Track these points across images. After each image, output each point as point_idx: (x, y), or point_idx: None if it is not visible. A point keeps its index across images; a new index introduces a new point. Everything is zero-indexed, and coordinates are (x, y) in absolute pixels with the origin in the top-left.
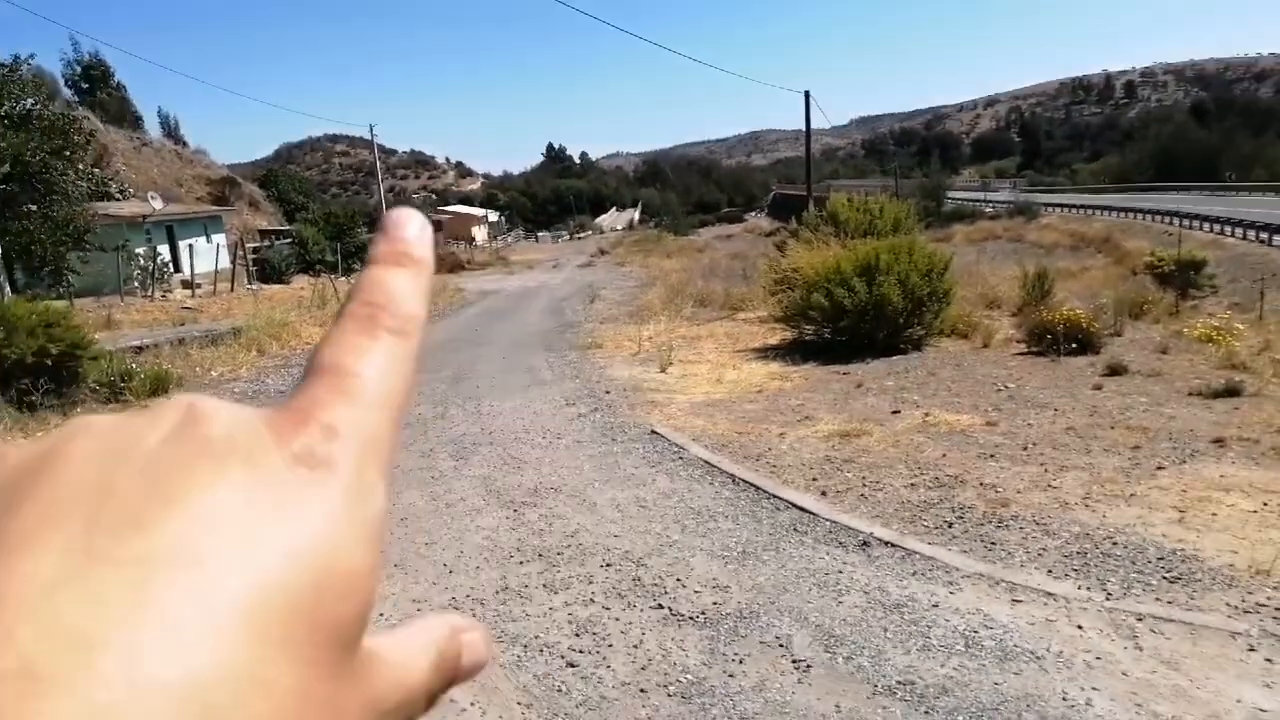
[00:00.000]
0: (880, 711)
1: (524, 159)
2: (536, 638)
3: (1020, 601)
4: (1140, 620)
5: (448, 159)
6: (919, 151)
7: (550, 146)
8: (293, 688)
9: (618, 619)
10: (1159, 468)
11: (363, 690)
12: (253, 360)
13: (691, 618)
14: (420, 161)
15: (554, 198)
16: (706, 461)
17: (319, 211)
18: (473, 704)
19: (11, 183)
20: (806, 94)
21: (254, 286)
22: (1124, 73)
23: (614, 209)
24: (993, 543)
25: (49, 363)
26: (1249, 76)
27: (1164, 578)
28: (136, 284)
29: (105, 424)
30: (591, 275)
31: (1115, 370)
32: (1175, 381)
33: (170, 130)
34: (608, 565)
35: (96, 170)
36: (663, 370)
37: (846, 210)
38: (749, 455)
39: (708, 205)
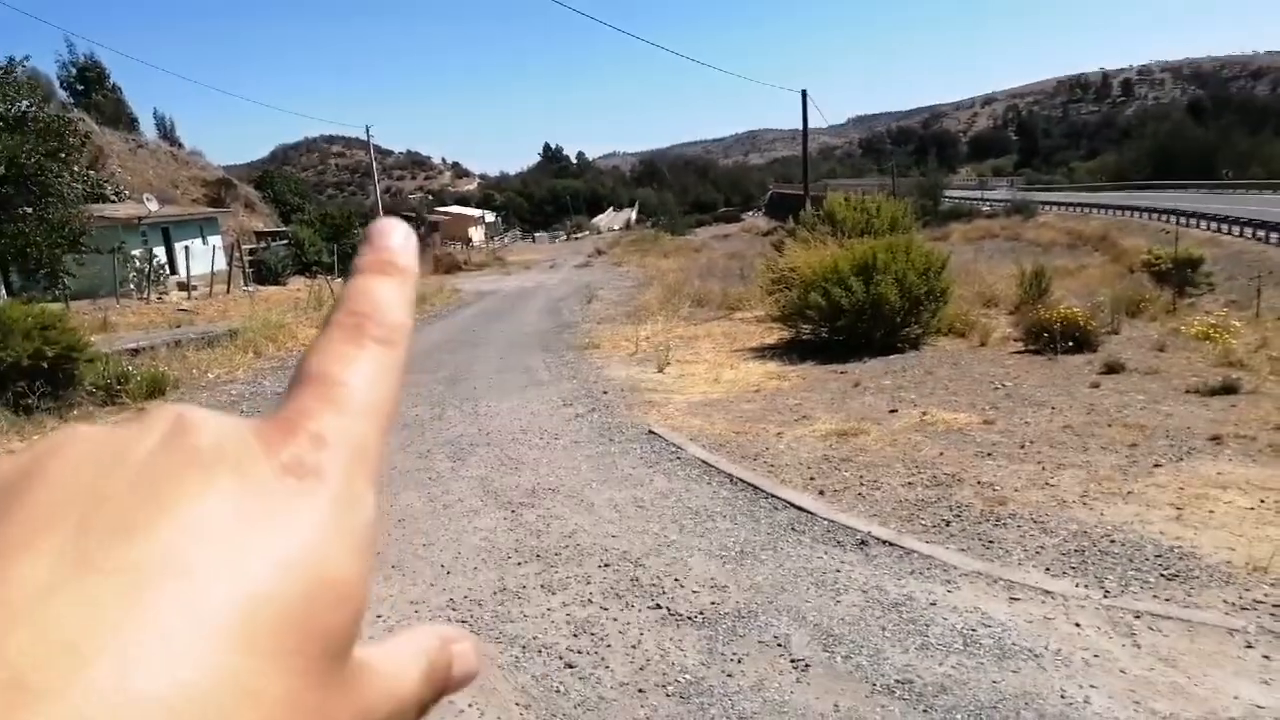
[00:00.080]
0: (879, 710)
1: (520, 159)
2: (534, 638)
3: (1018, 599)
4: (1138, 618)
5: (444, 159)
6: (916, 150)
7: (547, 146)
8: (283, 698)
9: (616, 619)
10: (1156, 465)
11: (353, 701)
12: (249, 362)
13: (690, 618)
14: (417, 162)
15: (551, 198)
16: (704, 461)
17: (315, 213)
18: (471, 705)
19: (6, 185)
20: (803, 93)
21: (250, 288)
22: (1121, 71)
23: (611, 209)
24: (990, 541)
25: (45, 365)
26: (1246, 74)
27: (1161, 575)
28: (132, 286)
29: (94, 433)
30: (588, 275)
31: (1112, 368)
32: (1172, 379)
33: (166, 132)
34: (606, 565)
35: (92, 172)
36: (660, 370)
37: (843, 209)
38: (747, 455)
39: (705, 205)
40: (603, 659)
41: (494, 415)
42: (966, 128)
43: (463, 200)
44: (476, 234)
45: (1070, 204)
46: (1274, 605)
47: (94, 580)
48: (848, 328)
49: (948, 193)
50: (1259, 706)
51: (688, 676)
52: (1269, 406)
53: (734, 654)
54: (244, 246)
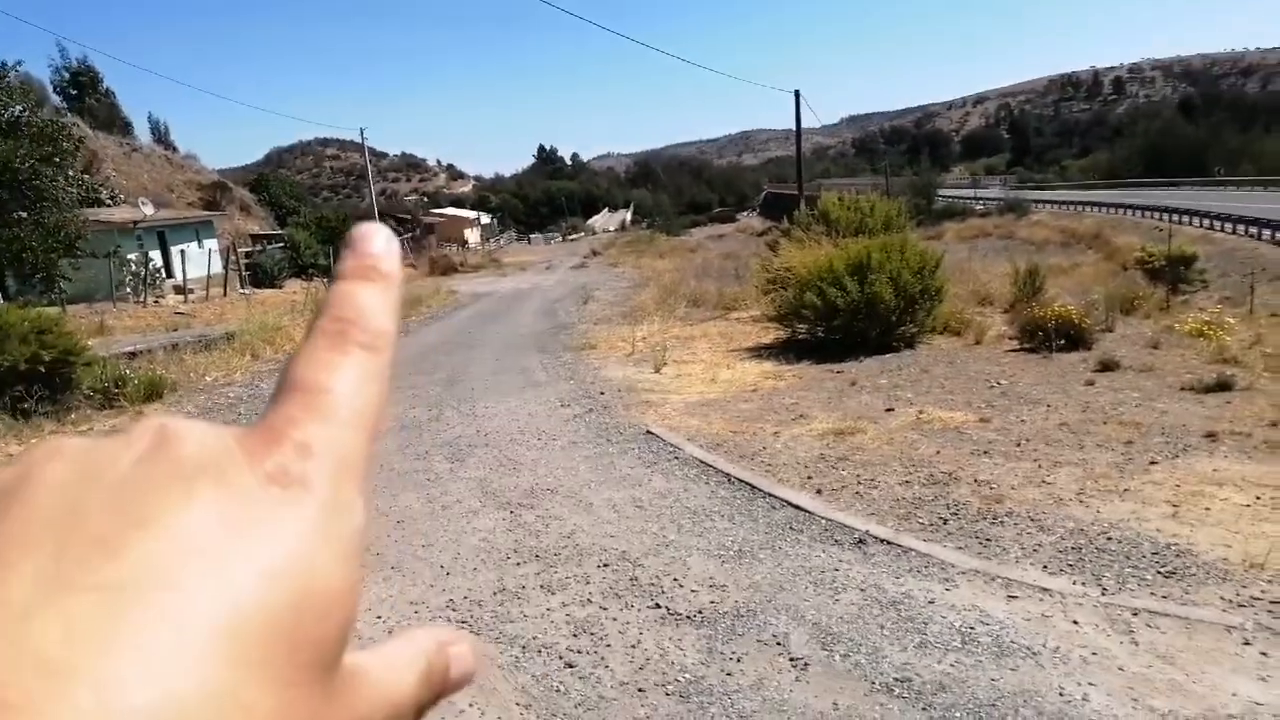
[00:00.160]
0: (878, 708)
1: (515, 161)
2: (534, 638)
3: (1016, 597)
4: (1135, 615)
5: (439, 161)
6: (909, 149)
7: (541, 148)
8: (273, 709)
9: (615, 619)
10: (1152, 463)
11: (345, 708)
12: (246, 365)
13: (689, 617)
14: (411, 164)
15: (546, 199)
16: (702, 461)
17: (311, 215)
18: (472, 705)
19: (1, 190)
20: (796, 93)
21: (246, 291)
22: (1112, 69)
23: (606, 210)
24: (988, 539)
25: (42, 369)
26: (1236, 72)
27: (1159, 572)
28: (129, 290)
29: (77, 447)
30: (584, 276)
31: (1107, 366)
32: (1167, 376)
33: (160, 135)
34: (605, 565)
35: (86, 176)
36: (657, 370)
37: (838, 209)
38: (744, 454)
39: (699, 205)
40: (602, 658)
41: (492, 416)
42: (959, 127)
43: (458, 202)
44: (472, 236)
45: (1063, 202)
46: (1271, 602)
47: (77, 597)
48: (843, 327)
49: (941, 192)
50: (1257, 703)
51: (687, 675)
52: (1263, 403)
53: (733, 653)
54: (240, 249)
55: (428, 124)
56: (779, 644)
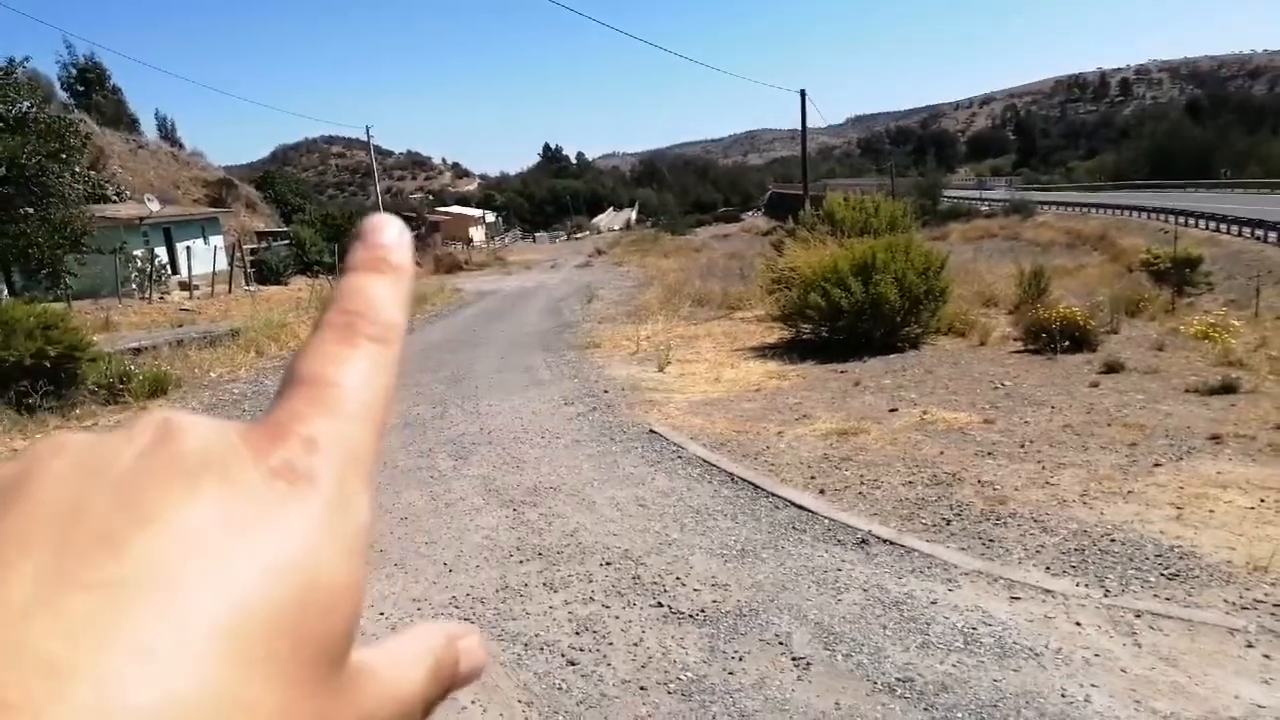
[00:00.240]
0: (880, 708)
1: (520, 159)
2: (536, 636)
3: (1019, 599)
4: (1138, 617)
5: (444, 160)
6: (915, 150)
7: (547, 147)
8: (277, 707)
9: (618, 617)
10: (1156, 465)
11: (352, 705)
12: (251, 361)
13: (691, 616)
14: (417, 162)
15: (551, 198)
16: (705, 460)
17: (316, 213)
18: (473, 702)
19: (8, 186)
20: (802, 93)
21: (252, 288)
22: (1119, 70)
23: (611, 209)
24: (991, 540)
25: (47, 365)
26: (1243, 74)
27: (1162, 574)
28: (134, 286)
29: (79, 443)
30: (589, 275)
31: (1112, 368)
32: (1172, 379)
33: (166, 132)
34: (607, 564)
35: (93, 173)
36: (661, 369)
37: (843, 209)
38: (747, 454)
39: (704, 205)
40: (605, 656)
41: (495, 414)
42: (965, 127)
43: (463, 200)
44: (477, 234)
45: (1069, 204)
46: (1274, 605)
47: (77, 595)
48: (848, 327)
49: (946, 192)
50: (1260, 706)
51: (689, 674)
52: (1268, 406)
53: (735, 652)
54: (245, 246)
55: (433, 122)
56: (781, 643)
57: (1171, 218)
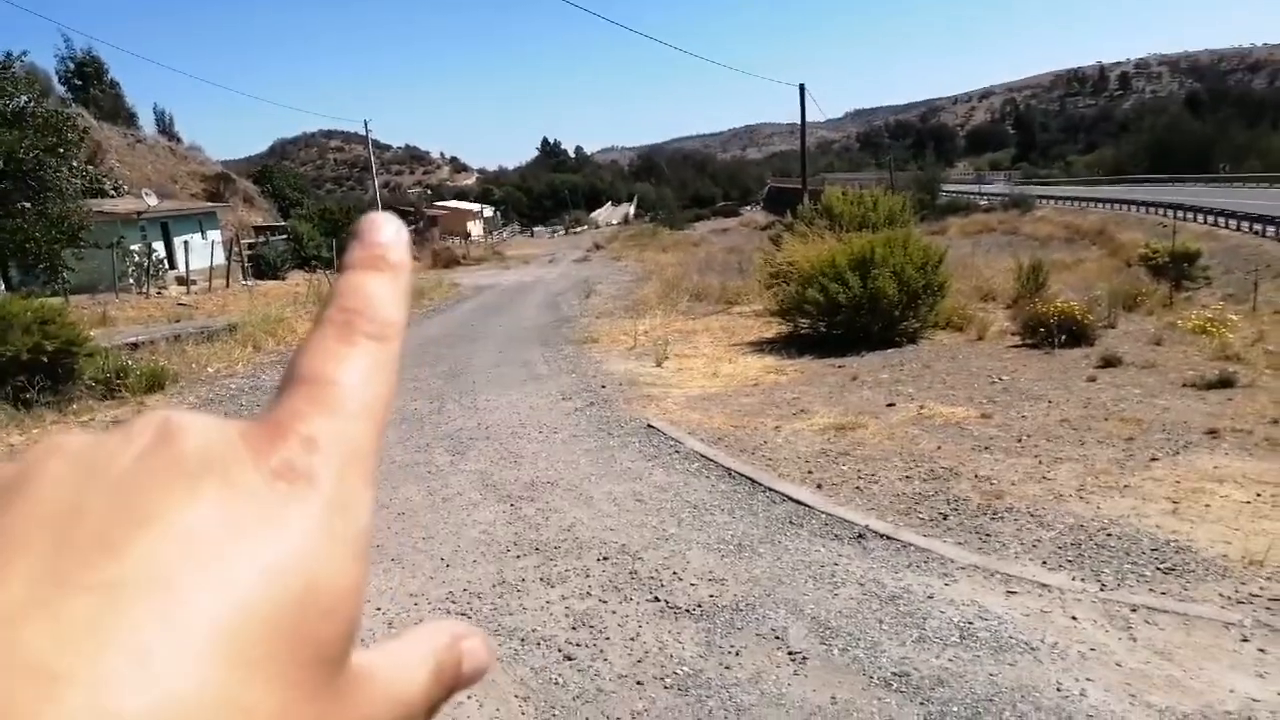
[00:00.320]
0: (876, 703)
1: (519, 154)
2: (533, 631)
3: (1015, 593)
4: (1134, 611)
5: (442, 154)
6: (914, 144)
7: (545, 141)
8: (276, 710)
9: (614, 612)
10: (1153, 459)
11: (352, 708)
12: (249, 356)
13: (688, 610)
14: (415, 157)
15: (549, 192)
16: (702, 455)
17: (314, 207)
18: (470, 697)
19: (5, 180)
20: (801, 87)
21: (249, 283)
22: (1118, 64)
23: (609, 203)
24: (987, 534)
25: (44, 360)
26: (1243, 67)
27: (1158, 569)
28: (131, 281)
29: (78, 443)
30: (587, 270)
31: (1109, 362)
32: (1169, 373)
33: (164, 127)
34: (604, 559)
35: (90, 167)
36: (658, 364)
37: (841, 203)
38: (745, 449)
39: (703, 199)
40: (601, 651)
41: (493, 409)
42: (964, 122)
43: (461, 195)
44: (475, 228)
45: (1068, 198)
46: (1270, 599)
47: (72, 598)
48: (845, 322)
49: (945, 187)
50: (1254, 699)
51: (686, 669)
52: (1265, 400)
53: (732, 646)
54: (243, 241)
55: (432, 117)
56: (778, 638)
57: (1170, 212)
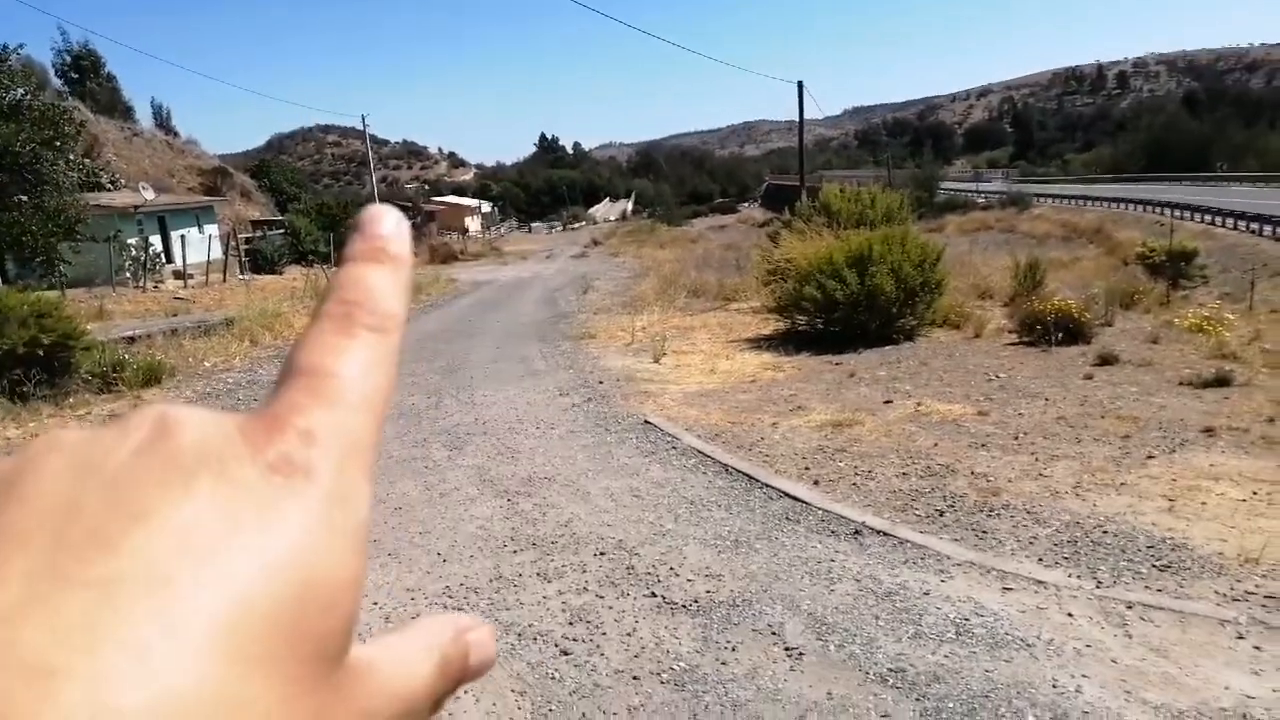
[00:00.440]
0: (871, 698)
1: (517, 149)
2: (530, 626)
3: (1011, 589)
4: (1130, 608)
5: (440, 149)
6: (912, 142)
7: (543, 136)
8: (276, 705)
9: (611, 607)
10: (1149, 457)
11: (351, 702)
12: (246, 350)
13: (684, 606)
14: (413, 152)
15: (547, 188)
16: (700, 451)
17: (311, 202)
18: (466, 691)
19: (1, 173)
20: (799, 84)
21: (246, 277)
22: (1116, 63)
23: (607, 199)
24: (984, 531)
25: (41, 353)
26: (1241, 67)
27: (1154, 566)
28: (128, 274)
29: (75, 439)
30: (585, 266)
31: (1106, 360)
32: (1166, 371)
33: (162, 121)
34: (601, 554)
35: (87, 161)
36: (656, 360)
37: (839, 201)
38: (742, 445)
39: (701, 196)
40: (598, 646)
41: (490, 404)
42: (962, 120)
43: (459, 190)
44: (473, 224)
45: (1065, 196)
46: (1265, 597)
47: (69, 594)
48: (843, 319)
49: (943, 184)
50: (1249, 697)
51: (682, 664)
52: (1261, 399)
53: (728, 642)
54: (240, 235)
55: (430, 112)
56: (774, 633)
57: (1167, 211)
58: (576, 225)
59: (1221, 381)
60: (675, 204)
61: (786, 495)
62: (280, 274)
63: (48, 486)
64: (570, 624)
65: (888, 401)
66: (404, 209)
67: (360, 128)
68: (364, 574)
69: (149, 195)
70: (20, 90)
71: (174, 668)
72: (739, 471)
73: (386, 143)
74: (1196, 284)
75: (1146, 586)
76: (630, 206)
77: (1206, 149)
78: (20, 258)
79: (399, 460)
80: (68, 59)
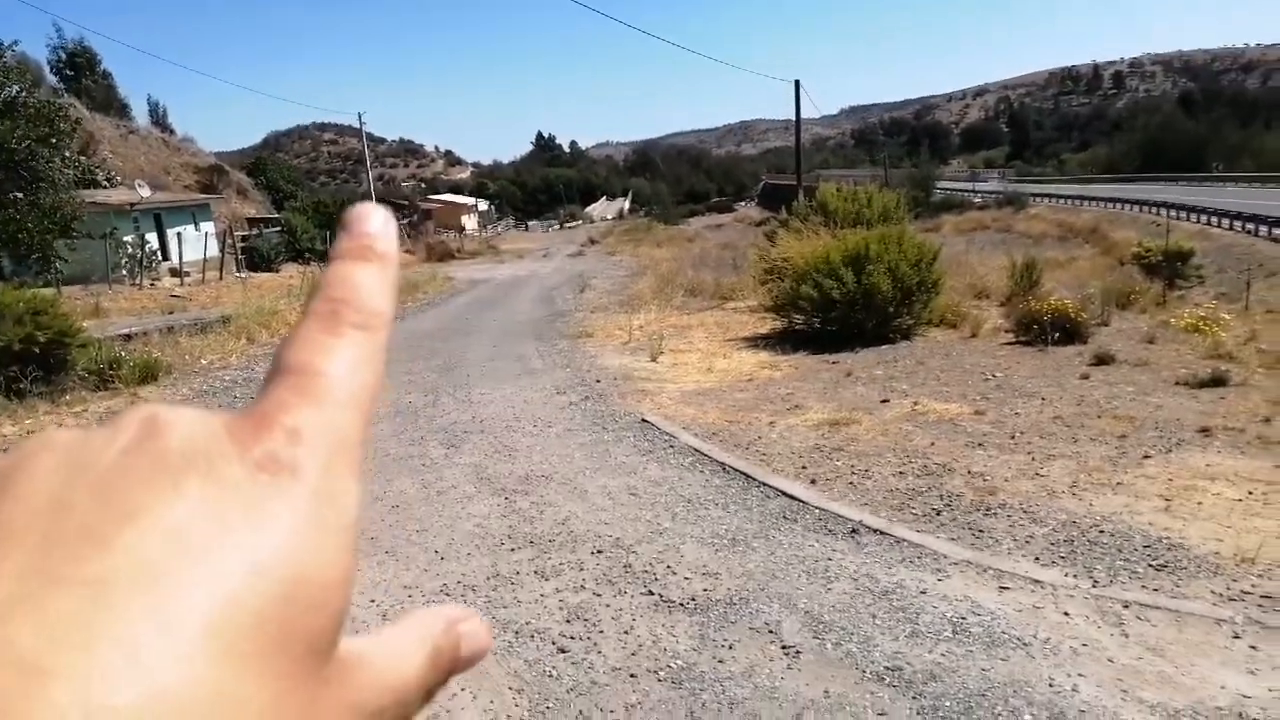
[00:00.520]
0: (868, 697)
1: (513, 148)
2: (527, 624)
3: (1008, 589)
4: (1126, 607)
5: (437, 148)
6: (908, 141)
7: (540, 135)
8: (267, 702)
9: (608, 605)
10: (1145, 457)
11: (342, 695)
12: (242, 348)
13: (682, 604)
14: (409, 150)
15: (544, 187)
16: (697, 450)
17: (308, 200)
18: (464, 689)
19: None
20: (796, 83)
21: (243, 275)
22: (1112, 63)
23: (604, 198)
24: (980, 530)
25: (37, 350)
26: (1236, 67)
27: (1150, 565)
28: (124, 272)
29: (65, 440)
30: (582, 264)
31: (1102, 360)
32: (1162, 371)
33: (158, 118)
34: (598, 552)
35: (83, 158)
36: (653, 359)
37: (836, 200)
38: (739, 444)
39: (698, 195)
40: (595, 644)
41: (487, 403)
42: (958, 119)
43: (456, 188)
44: (469, 222)
45: (1061, 196)
46: (1261, 596)
47: (59, 593)
48: (840, 318)
49: (939, 184)
50: (1245, 696)
51: (679, 662)
52: (1257, 399)
53: (725, 640)
54: (236, 233)
55: (427, 110)
56: (771, 632)
57: (1163, 211)
58: (573, 224)
59: (1217, 381)
60: (672, 203)
61: (783, 494)
62: (277, 272)
63: (39, 486)
64: (567, 622)
65: (884, 401)
66: (400, 207)
67: (357, 125)
68: (353, 570)
69: (145, 193)
70: (15, 87)
71: (166, 666)
72: (736, 470)
73: (383, 141)
74: (1192, 284)
75: (1143, 586)
76: (627, 205)
77: (1202, 149)
78: (16, 255)
79: (396, 458)
80: (63, 56)
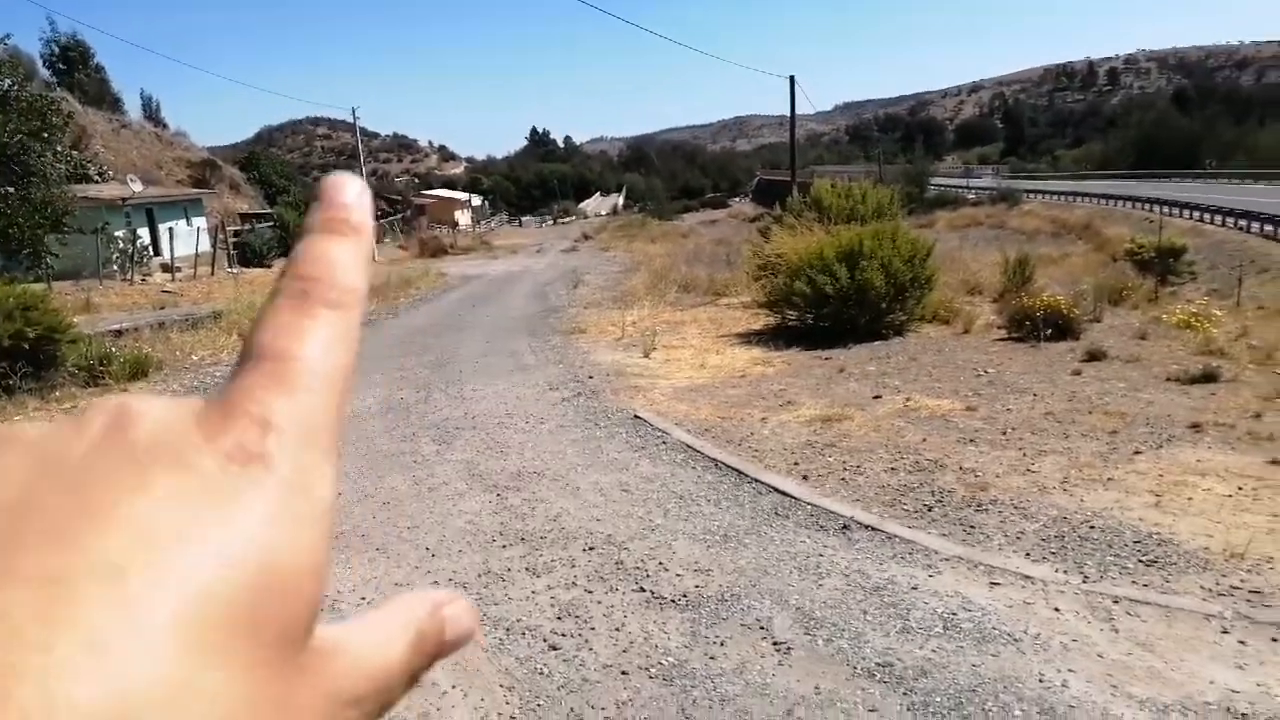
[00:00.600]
0: (859, 693)
1: (508, 143)
2: (519, 621)
3: (998, 584)
4: (1116, 603)
5: (431, 142)
6: (903, 137)
7: (534, 130)
8: (240, 694)
9: (600, 602)
10: (1136, 452)
11: (318, 683)
12: (234, 344)
13: (673, 601)
14: (403, 145)
15: (538, 182)
16: (689, 446)
17: (301, 195)
18: (454, 687)
19: None
20: (791, 79)
21: (235, 270)
22: (1107, 60)
23: (598, 194)
24: (971, 526)
25: (26, 346)
26: (1231, 64)
27: (1140, 561)
28: (115, 267)
29: (31, 435)
30: (575, 260)
31: (1094, 356)
32: (1153, 367)
33: (150, 112)
34: (590, 549)
35: (75, 152)
36: (646, 355)
37: (830, 196)
38: (731, 440)
39: (692, 190)
40: (586, 641)
41: (480, 399)
42: (953, 115)
43: (449, 184)
44: (463, 218)
45: (1055, 192)
46: (1250, 591)
47: (20, 592)
48: (833, 314)
49: (934, 180)
50: (1234, 691)
51: (671, 659)
52: (1248, 395)
53: (717, 637)
54: (228, 228)
55: (420, 105)
56: (762, 628)
57: (1156, 207)
58: (567, 220)
59: (1209, 377)
60: (666, 199)
61: (775, 490)
62: (269, 267)
63: (2, 483)
64: (559, 619)
65: (877, 397)
66: (393, 202)
67: (350, 120)
68: (327, 558)
69: (137, 187)
70: (7, 81)
71: (131, 660)
72: (728, 466)
73: (376, 135)
74: (1185, 280)
75: (1133, 581)
76: (621, 201)
77: (1196, 146)
78: (7, 250)
79: (387, 454)
80: (56, 49)
